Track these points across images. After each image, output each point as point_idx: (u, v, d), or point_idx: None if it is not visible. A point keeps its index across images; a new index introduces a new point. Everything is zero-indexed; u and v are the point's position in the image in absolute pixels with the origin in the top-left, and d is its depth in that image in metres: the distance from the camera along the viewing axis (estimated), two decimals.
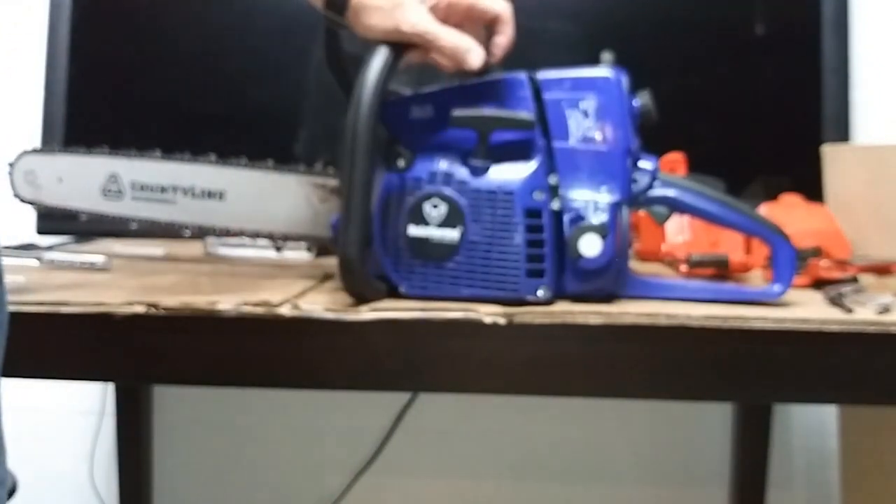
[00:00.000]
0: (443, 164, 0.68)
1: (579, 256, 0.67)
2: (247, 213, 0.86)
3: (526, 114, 0.68)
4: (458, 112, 0.68)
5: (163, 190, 0.88)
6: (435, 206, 0.68)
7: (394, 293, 0.69)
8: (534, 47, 1.20)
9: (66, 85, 1.24)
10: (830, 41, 1.21)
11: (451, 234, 0.67)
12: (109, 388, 1.39)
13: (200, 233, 0.89)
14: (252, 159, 0.87)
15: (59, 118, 1.24)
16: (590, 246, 0.67)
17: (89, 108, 1.25)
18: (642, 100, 0.70)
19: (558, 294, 0.68)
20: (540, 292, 0.67)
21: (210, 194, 0.87)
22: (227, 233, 0.88)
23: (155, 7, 1.26)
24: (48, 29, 1.26)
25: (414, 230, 0.68)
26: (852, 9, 1.23)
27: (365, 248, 0.66)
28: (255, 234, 0.88)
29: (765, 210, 0.86)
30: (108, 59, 1.27)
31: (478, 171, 0.67)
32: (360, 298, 0.66)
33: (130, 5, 1.27)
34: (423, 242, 0.68)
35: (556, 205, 0.68)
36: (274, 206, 0.86)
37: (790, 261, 0.70)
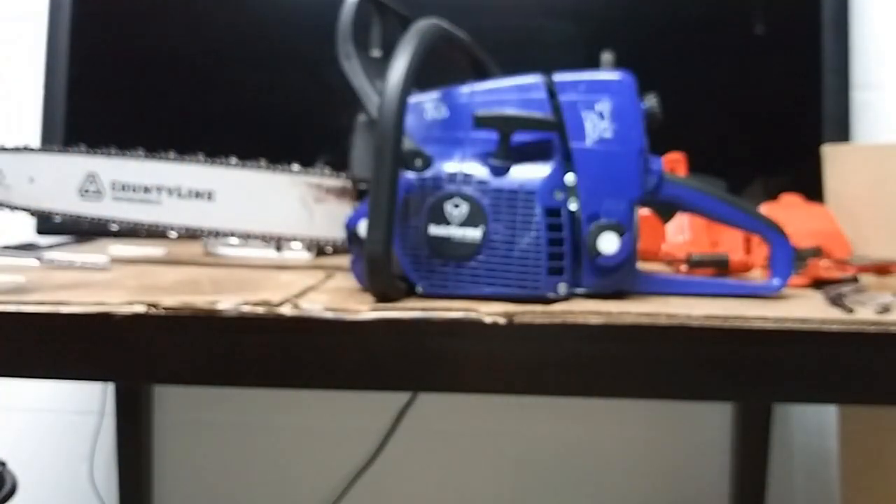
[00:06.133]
0: (462, 164, 0.69)
1: (598, 254, 0.68)
2: (238, 213, 0.85)
3: (547, 115, 0.69)
4: (481, 112, 0.68)
5: (146, 190, 0.85)
6: (456, 206, 0.68)
7: (411, 293, 0.69)
8: (534, 47, 1.21)
9: (66, 85, 1.24)
10: (830, 41, 1.21)
11: (474, 234, 0.68)
12: (109, 388, 1.39)
13: (188, 234, 0.87)
14: (243, 158, 0.85)
15: (59, 118, 1.24)
16: (608, 243, 0.68)
17: (89, 108, 1.25)
18: (649, 102, 0.71)
19: (573, 291, 0.70)
20: (560, 289, 0.68)
21: (198, 194, 0.85)
22: (216, 234, 0.87)
23: (155, 7, 1.26)
24: (48, 29, 1.26)
25: (435, 230, 0.68)
26: (852, 9, 1.23)
27: (390, 248, 0.66)
28: (247, 236, 0.87)
29: (765, 210, 0.86)
30: (108, 59, 1.27)
31: (498, 171, 0.68)
32: (385, 298, 0.66)
33: (130, 5, 1.27)
34: (444, 242, 0.68)
35: (573, 204, 0.69)
36: (266, 206, 0.85)
37: (788, 256, 0.73)
